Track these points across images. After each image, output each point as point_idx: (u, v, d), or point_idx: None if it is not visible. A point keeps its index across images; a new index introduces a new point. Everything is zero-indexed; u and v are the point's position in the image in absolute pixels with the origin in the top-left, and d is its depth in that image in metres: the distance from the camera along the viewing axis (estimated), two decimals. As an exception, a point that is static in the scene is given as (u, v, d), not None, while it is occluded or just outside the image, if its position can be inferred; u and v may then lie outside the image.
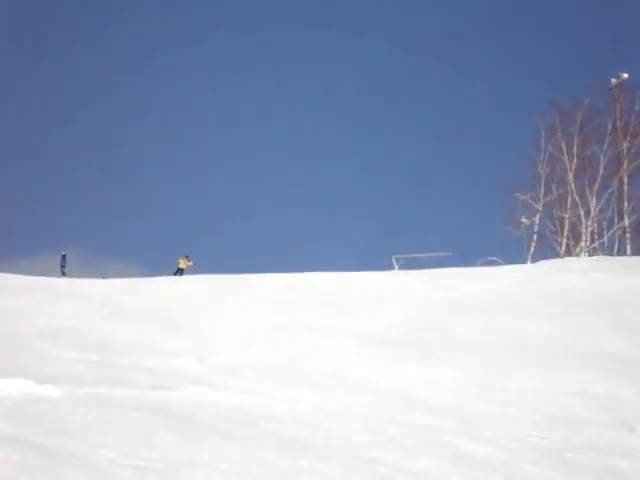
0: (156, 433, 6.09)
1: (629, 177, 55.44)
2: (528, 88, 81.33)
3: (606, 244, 55.33)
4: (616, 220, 55.51)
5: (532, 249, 53.91)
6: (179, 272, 41.46)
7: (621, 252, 53.35)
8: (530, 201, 54.78)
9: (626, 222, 54.65)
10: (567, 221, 54.76)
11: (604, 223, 55.65)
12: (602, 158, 54.97)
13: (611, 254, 51.64)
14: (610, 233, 55.28)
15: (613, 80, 55.23)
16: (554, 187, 55.44)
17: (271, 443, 6.22)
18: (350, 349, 13.41)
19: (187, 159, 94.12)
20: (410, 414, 8.40)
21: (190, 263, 42.63)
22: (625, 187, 55.10)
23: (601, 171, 54.84)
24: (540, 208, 54.78)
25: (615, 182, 54.95)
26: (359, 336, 14.95)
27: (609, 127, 55.79)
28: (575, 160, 54.75)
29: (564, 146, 54.99)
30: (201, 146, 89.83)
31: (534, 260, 47.94)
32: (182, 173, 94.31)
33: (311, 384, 9.98)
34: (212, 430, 6.49)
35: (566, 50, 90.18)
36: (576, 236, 55.06)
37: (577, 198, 54.48)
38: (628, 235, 54.80)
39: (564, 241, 54.32)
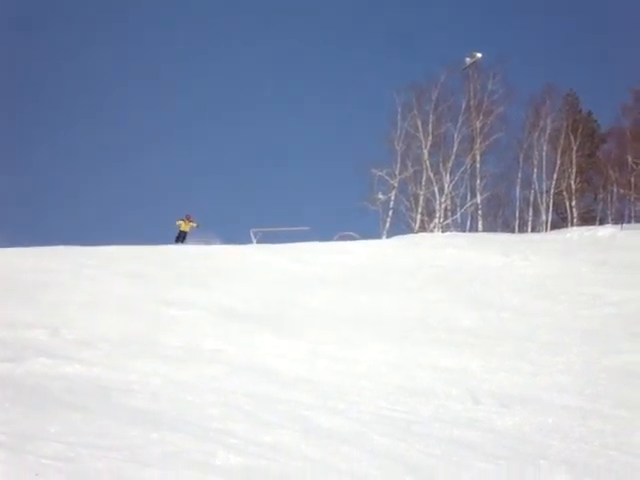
0: (1, 405, 5.93)
1: (482, 155, 57.00)
2: (385, 65, 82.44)
3: (459, 220, 56.88)
4: (469, 197, 57.08)
5: (388, 224, 54.83)
6: (181, 237, 36.76)
7: (473, 228, 54.89)
8: (386, 177, 55.63)
9: (478, 199, 56.21)
10: (422, 197, 55.88)
11: (457, 200, 57.16)
12: (456, 136, 56.31)
13: (464, 230, 53.08)
14: (463, 210, 56.81)
15: (467, 59, 56.45)
16: (410, 164, 56.44)
17: (122, 415, 6.16)
18: (206, 322, 13.33)
19: None
20: (264, 387, 8.44)
21: (193, 224, 37.25)
22: (478, 165, 56.64)
23: (455, 149, 56.19)
24: (396, 184, 55.71)
25: (468, 160, 56.42)
26: (215, 309, 14.89)
27: (463, 106, 57.19)
28: (430, 137, 55.87)
29: (420, 124, 56.03)
30: None
31: (389, 235, 48.71)
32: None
33: (165, 357, 9.89)
34: (62, 403, 6.37)
35: (423, 28, 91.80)
36: (430, 212, 56.28)
37: (432, 175, 55.65)
38: (480, 212, 56.40)
39: (419, 217, 55.43)
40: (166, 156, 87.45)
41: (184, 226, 37.05)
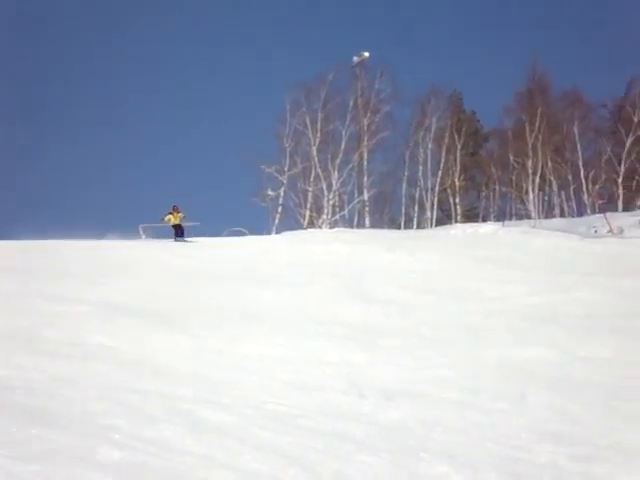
0: None
1: (369, 152, 57.67)
2: (274, 63, 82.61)
3: (347, 216, 57.38)
4: (356, 194, 57.64)
5: (277, 220, 54.99)
6: (180, 232, 33.36)
7: (360, 225, 55.44)
8: (275, 174, 55.76)
9: (365, 196, 56.83)
10: (310, 194, 56.18)
11: (345, 196, 57.66)
12: (344, 134, 56.83)
13: (351, 226, 53.56)
14: (350, 206, 57.33)
15: (355, 58, 57.08)
16: (299, 160, 56.72)
17: (1, 411, 6.04)
18: (92, 317, 13.12)
19: None
20: (149, 382, 8.38)
21: (182, 214, 34.12)
22: (365, 162, 57.27)
23: (343, 146, 56.69)
24: (285, 181, 55.90)
25: (356, 157, 56.98)
26: (102, 304, 14.68)
27: (351, 104, 57.71)
28: (319, 135, 56.23)
29: (308, 121, 56.31)
30: None
31: (279, 231, 48.88)
32: None
33: (48, 352, 9.71)
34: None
35: (311, 27, 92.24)
36: (319, 208, 56.62)
37: (320, 172, 56.02)
38: (367, 208, 57.04)
39: (307, 213, 55.72)
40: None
41: (174, 219, 33.90)
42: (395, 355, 11.73)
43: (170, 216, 33.88)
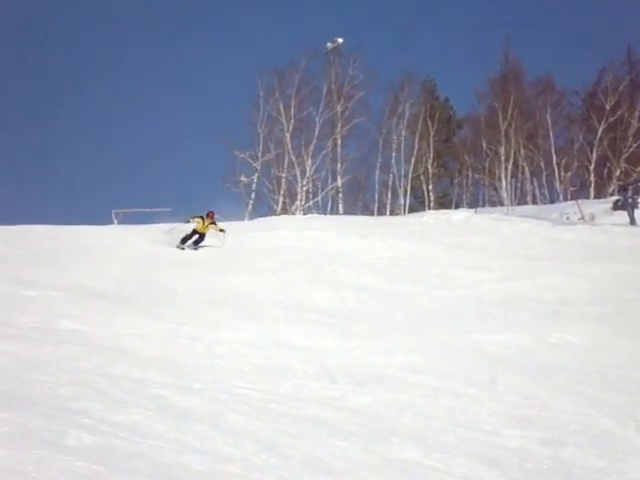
0: None
1: (342, 139, 57.67)
2: (247, 49, 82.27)
3: (320, 203, 57.37)
4: (330, 180, 57.67)
5: (250, 206, 54.88)
6: (198, 239, 26.09)
7: (334, 211, 55.46)
8: (249, 160, 55.67)
9: (339, 182, 56.88)
10: (284, 180, 56.11)
11: (319, 183, 57.65)
12: (318, 120, 56.78)
13: (325, 213, 53.56)
14: (324, 192, 57.33)
15: (328, 44, 56.95)
16: (272, 147, 56.61)
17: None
18: (62, 302, 13.05)
19: None
20: (119, 367, 8.35)
21: (216, 225, 26.79)
22: (339, 149, 57.27)
23: (316, 133, 56.64)
24: (258, 167, 55.80)
25: (329, 143, 56.96)
26: (73, 289, 14.63)
27: (324, 90, 57.67)
28: (292, 121, 56.18)
29: (282, 107, 56.22)
30: None
31: (252, 217, 48.74)
32: None
33: (18, 336, 9.63)
34: None
35: (284, 12, 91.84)
36: (292, 195, 56.58)
37: (294, 158, 55.96)
38: (341, 195, 57.07)
39: (280, 199, 55.66)
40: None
41: (202, 227, 26.49)
42: (367, 340, 11.75)
43: (199, 220, 26.62)
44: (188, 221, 26.71)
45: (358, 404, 7.83)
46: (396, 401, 8.07)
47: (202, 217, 26.54)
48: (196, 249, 25.54)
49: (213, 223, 26.67)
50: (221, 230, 26.29)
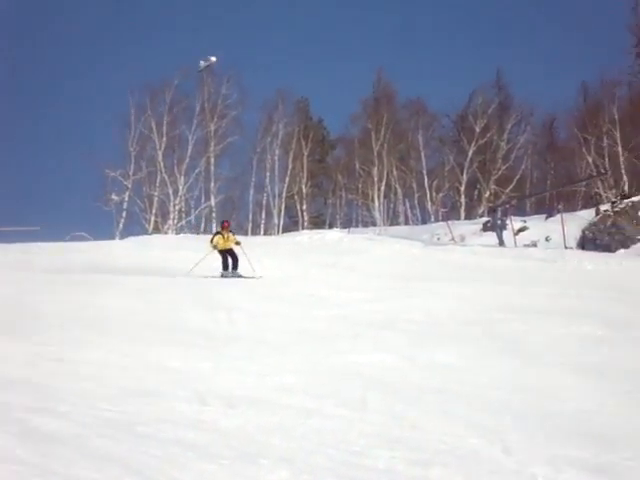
0: None
1: (216, 158, 57.70)
2: (118, 64, 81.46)
3: (193, 222, 57.10)
4: (203, 199, 57.46)
5: (121, 225, 54.20)
6: (233, 260, 24.61)
7: (207, 230, 55.24)
8: (120, 178, 54.98)
9: (212, 201, 56.71)
10: (156, 199, 55.61)
11: (192, 202, 57.46)
12: (190, 138, 56.61)
13: (198, 232, 53.32)
14: (197, 211, 57.07)
15: (202, 62, 56.98)
16: (144, 165, 56.16)
17: None
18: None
19: None
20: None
21: (232, 236, 25.38)
22: (212, 167, 57.21)
23: (189, 151, 56.50)
24: (130, 185, 55.14)
25: (203, 162, 56.82)
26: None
27: (197, 108, 57.52)
28: (165, 139, 55.84)
29: (154, 125, 55.77)
30: None
31: (123, 236, 48.18)
32: None
33: None
34: None
35: (155, 28, 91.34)
36: (164, 214, 56.18)
37: (166, 177, 55.62)
38: (214, 214, 56.88)
39: (153, 218, 55.17)
40: None
41: (224, 242, 24.66)
42: (240, 362, 11.66)
43: (219, 238, 24.73)
44: (213, 245, 24.88)
45: (229, 427, 7.74)
46: (267, 423, 8.01)
47: (219, 232, 25.09)
48: (240, 275, 23.86)
49: (230, 232, 25.20)
50: (237, 243, 24.94)
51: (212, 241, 24.78)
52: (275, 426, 7.88)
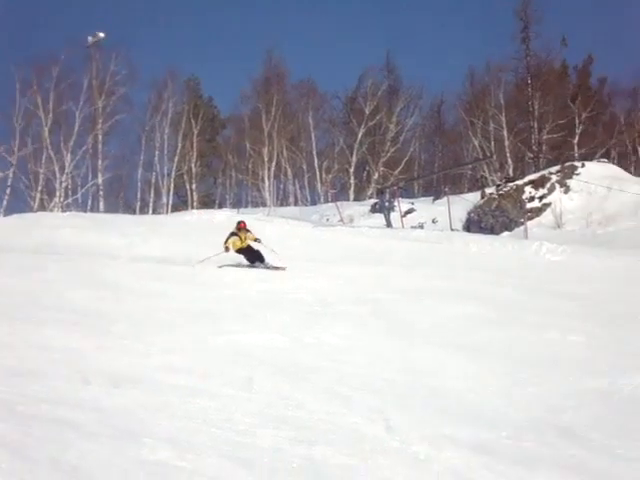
0: None
1: (104, 135, 56.71)
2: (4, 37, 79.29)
3: (80, 200, 56.09)
4: (90, 177, 56.48)
5: (5, 203, 52.91)
6: (256, 255, 23.68)
7: (95, 209, 54.36)
8: (4, 154, 53.65)
9: (100, 180, 55.77)
10: (42, 176, 54.43)
11: (78, 180, 56.42)
12: (78, 115, 55.50)
13: (85, 210, 52.45)
14: (84, 189, 56.12)
15: (90, 38, 55.91)
16: (29, 141, 54.89)
17: None
18: None
19: None
20: None
21: (250, 234, 24.15)
22: (100, 145, 56.20)
23: (77, 128, 55.40)
24: (14, 162, 53.83)
25: (90, 140, 55.78)
26: None
27: (85, 85, 56.41)
28: (51, 115, 54.63)
29: (40, 101, 54.54)
30: None
31: (8, 214, 47.08)
32: None
33: None
34: None
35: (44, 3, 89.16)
36: (51, 191, 55.01)
37: (52, 154, 54.47)
38: (102, 192, 55.98)
39: (38, 195, 53.98)
40: None
41: (241, 242, 23.86)
42: (125, 341, 11.53)
43: (236, 239, 23.84)
44: (228, 249, 23.42)
45: (112, 406, 7.66)
46: (151, 402, 7.95)
47: (235, 233, 23.88)
48: (270, 265, 23.09)
49: (248, 232, 24.13)
50: (256, 240, 23.99)
51: (226, 242, 23.68)
52: (160, 405, 7.84)
